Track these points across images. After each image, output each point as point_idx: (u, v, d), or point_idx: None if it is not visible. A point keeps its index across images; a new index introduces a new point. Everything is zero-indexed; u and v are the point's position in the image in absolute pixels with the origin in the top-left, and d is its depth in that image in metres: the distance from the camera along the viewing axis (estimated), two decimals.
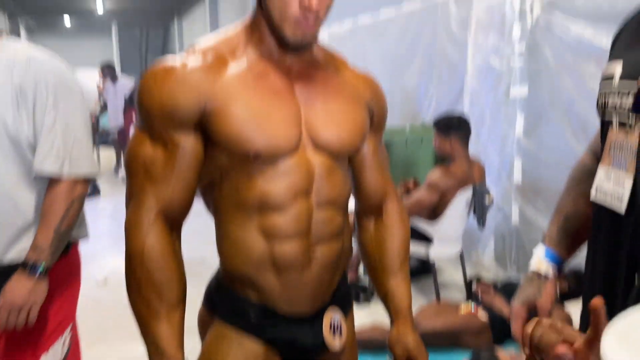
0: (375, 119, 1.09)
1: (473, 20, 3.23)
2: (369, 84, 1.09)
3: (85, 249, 1.55)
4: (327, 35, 5.32)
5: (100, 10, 14.47)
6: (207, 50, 0.96)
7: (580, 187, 1.01)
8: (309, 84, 0.99)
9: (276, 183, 0.95)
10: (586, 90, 2.68)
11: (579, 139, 2.75)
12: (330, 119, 0.99)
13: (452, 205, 2.63)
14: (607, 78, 0.90)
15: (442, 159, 3.68)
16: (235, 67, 0.95)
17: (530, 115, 3.05)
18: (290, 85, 0.98)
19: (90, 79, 13.32)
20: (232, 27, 1.02)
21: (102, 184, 6.35)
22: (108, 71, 7.02)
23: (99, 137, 7.63)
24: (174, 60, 0.95)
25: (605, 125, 0.90)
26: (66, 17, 16.91)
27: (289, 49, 0.97)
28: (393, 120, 4.49)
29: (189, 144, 0.93)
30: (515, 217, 3.17)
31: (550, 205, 2.98)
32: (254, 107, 0.93)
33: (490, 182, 3.02)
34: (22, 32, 15.92)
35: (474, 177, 2.68)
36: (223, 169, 0.96)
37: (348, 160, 1.07)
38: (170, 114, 0.91)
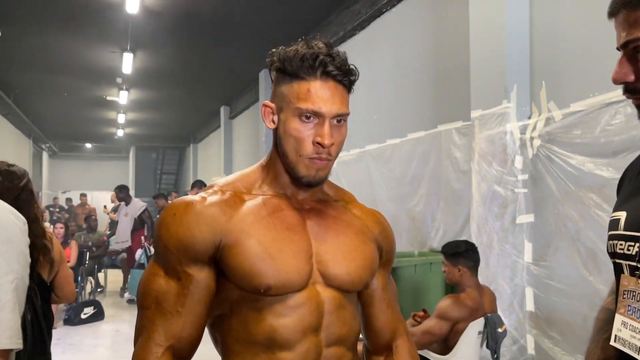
0: (384, 254, 1.11)
1: (476, 149, 3.36)
2: (377, 220, 1.12)
3: None
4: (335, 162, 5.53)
5: (119, 134, 15.21)
6: (225, 188, 1.02)
7: (607, 334, 0.99)
8: (320, 219, 1.03)
9: (285, 319, 0.95)
10: (592, 219, 2.71)
11: (589, 268, 2.73)
12: (341, 254, 1.01)
13: (464, 337, 2.54)
14: (614, 223, 0.93)
15: (451, 286, 3.62)
16: (251, 203, 1.00)
17: (538, 242, 3.05)
18: (302, 220, 1.01)
19: (106, 201, 13.63)
20: (250, 167, 1.09)
21: (106, 307, 6.24)
22: (121, 193, 7.24)
23: (108, 259, 7.63)
24: (194, 197, 1.00)
25: (617, 268, 0.91)
26: (87, 143, 17.72)
27: (302, 186, 1.02)
28: (400, 246, 4.53)
29: (202, 277, 0.95)
30: (530, 348, 3.05)
31: (565, 336, 2.88)
32: (266, 243, 0.95)
33: (502, 311, 2.95)
34: (45, 155, 16.65)
35: (485, 306, 2.62)
36: (233, 302, 0.97)
37: (357, 295, 1.08)
38: (186, 248, 0.94)
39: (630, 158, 2.63)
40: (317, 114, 0.96)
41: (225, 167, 11.12)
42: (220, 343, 1.00)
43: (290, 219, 1.00)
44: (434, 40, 4.19)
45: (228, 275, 0.95)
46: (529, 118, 3.13)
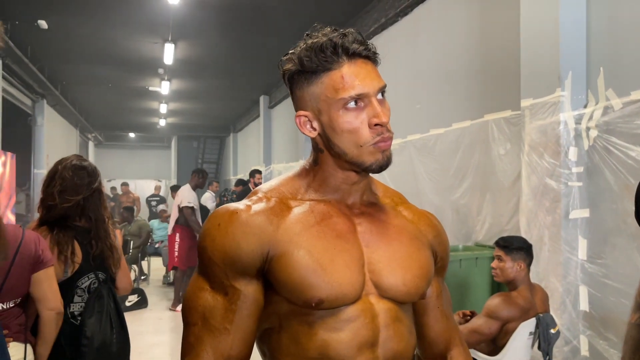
0: (439, 260, 1.04)
1: (526, 140, 3.21)
2: (430, 223, 1.05)
3: None
4: None
5: (161, 124, 15.48)
6: (270, 194, 0.95)
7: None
8: (371, 224, 0.96)
9: (339, 334, 0.88)
10: None
11: None
12: (395, 263, 0.94)
13: (515, 337, 2.42)
14: None
15: (497, 283, 3.48)
16: (298, 210, 0.93)
17: (594, 238, 2.89)
18: (353, 226, 0.94)
19: (150, 189, 13.90)
20: (293, 171, 1.02)
21: (149, 295, 6.35)
22: (174, 188, 7.46)
23: (150, 247, 7.77)
24: (238, 205, 0.93)
25: None
26: (130, 132, 18.13)
27: (370, 173, 0.94)
28: None
29: (250, 291, 0.89)
30: (584, 349, 2.90)
31: (621, 337, 2.71)
32: (317, 253, 0.89)
33: (553, 310, 2.81)
34: (91, 145, 17.13)
35: (537, 306, 2.49)
36: (282, 316, 0.91)
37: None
38: (233, 261, 0.88)
39: None
40: (361, 97, 0.89)
41: (265, 156, 11.15)
42: (269, 358, 0.95)
43: (340, 226, 0.93)
44: (481, 26, 4.01)
45: (277, 288, 0.89)
46: (585, 107, 2.95)
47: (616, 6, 2.84)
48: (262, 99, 11.25)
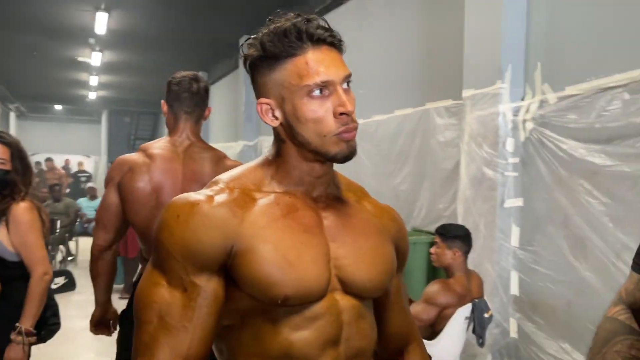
0: (400, 255, 1.02)
1: (466, 130, 3.29)
2: (393, 217, 1.04)
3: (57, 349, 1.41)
4: None
5: (91, 97, 14.74)
6: (232, 184, 0.91)
7: (616, 345, 0.92)
8: (337, 218, 0.93)
9: (303, 332, 0.86)
10: (582, 206, 2.68)
11: (576, 255, 2.72)
12: (362, 259, 0.92)
13: (451, 323, 2.51)
14: None
15: (434, 268, 3.57)
16: (263, 202, 0.89)
17: (526, 227, 3.03)
18: (319, 219, 0.91)
19: (78, 164, 13.24)
20: (254, 161, 0.98)
21: (78, 278, 6.08)
22: None
23: (80, 226, 7.43)
24: (198, 195, 0.88)
25: None
26: (57, 104, 17.15)
27: (334, 162, 0.92)
28: None
29: (211, 287, 0.84)
30: (513, 331, 3.05)
31: (549, 320, 2.89)
32: (283, 248, 0.86)
33: (486, 295, 2.92)
34: (12, 115, 16.07)
35: (473, 292, 2.59)
36: (244, 313, 0.87)
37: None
38: (193, 255, 0.83)
39: (625, 145, 2.61)
40: (327, 84, 0.86)
41: (203, 135, 10.86)
42: (227, 356, 0.91)
43: (307, 220, 0.90)
44: (426, 16, 4.06)
45: (240, 285, 0.85)
46: (523, 100, 3.06)
47: (555, 6, 2.94)
48: (201, 75, 10.91)
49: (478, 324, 2.58)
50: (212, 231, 0.84)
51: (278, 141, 0.93)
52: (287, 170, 0.93)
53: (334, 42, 0.89)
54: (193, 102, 1.97)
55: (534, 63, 3.04)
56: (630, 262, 2.44)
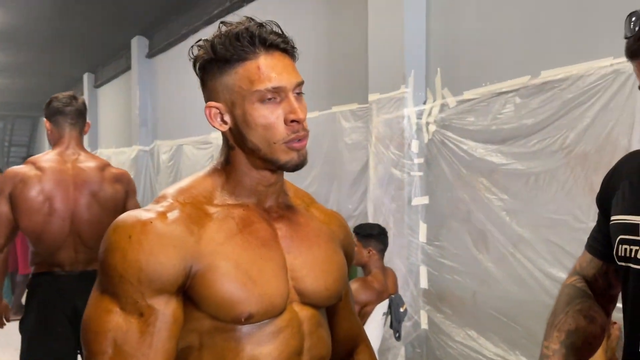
0: (348, 260, 1.04)
1: (373, 132, 3.42)
2: (341, 223, 1.05)
3: None
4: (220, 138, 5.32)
5: None
6: (182, 199, 0.87)
7: (577, 305, 1.04)
8: (290, 228, 0.93)
9: (267, 347, 0.85)
10: (482, 202, 2.90)
11: (478, 247, 2.93)
12: (317, 268, 0.93)
13: (371, 319, 2.60)
14: (629, 227, 0.93)
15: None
16: (218, 217, 0.87)
17: (432, 223, 3.21)
18: (274, 232, 0.91)
19: None
20: (202, 172, 0.94)
21: None
22: None
23: None
24: (148, 212, 0.84)
25: (634, 274, 0.93)
26: None
27: (284, 172, 0.91)
28: None
29: (170, 310, 0.80)
30: (424, 323, 3.22)
31: (456, 310, 3.08)
32: (244, 264, 0.84)
33: (399, 290, 3.07)
34: None
35: (389, 288, 2.70)
36: (204, 333, 0.84)
37: None
38: (150, 278, 0.79)
39: (518, 145, 2.85)
40: (278, 90, 0.86)
41: (90, 140, 10.21)
42: None
43: (263, 233, 0.89)
44: (330, 20, 4.15)
45: (200, 305, 0.83)
46: (425, 104, 3.24)
47: (451, 15, 3.15)
48: (86, 76, 10.26)
49: (395, 319, 2.70)
50: (169, 251, 0.80)
51: (227, 148, 0.92)
52: (237, 179, 0.91)
53: (286, 49, 0.90)
54: (75, 115, 2.26)
55: (434, 69, 3.23)
56: (526, 253, 2.67)
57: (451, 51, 3.16)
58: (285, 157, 0.87)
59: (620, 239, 0.94)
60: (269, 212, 0.92)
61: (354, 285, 2.62)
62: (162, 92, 7.32)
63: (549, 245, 2.55)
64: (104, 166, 2.31)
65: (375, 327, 2.67)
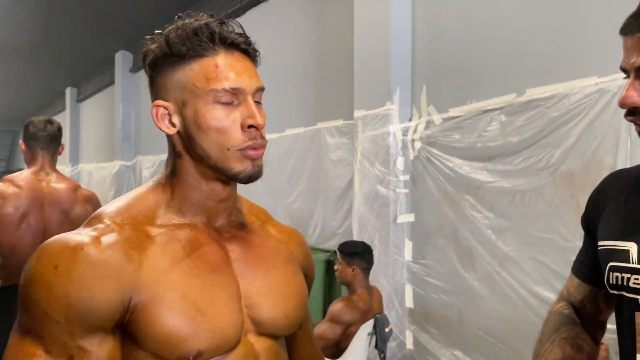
0: (308, 282, 0.95)
1: (358, 149, 3.39)
2: (300, 242, 0.96)
3: None
4: None
5: None
6: (120, 220, 0.76)
7: (563, 334, 1.00)
8: (244, 250, 0.84)
9: None
10: (467, 220, 2.87)
11: (464, 265, 2.90)
12: (275, 294, 0.83)
13: (356, 339, 2.54)
14: (620, 253, 0.89)
15: (329, 286, 3.61)
16: (161, 240, 0.77)
17: (418, 241, 3.18)
18: (226, 255, 0.81)
19: None
20: (143, 186, 0.85)
21: None
22: None
23: None
24: (79, 236, 0.72)
25: (629, 303, 0.88)
26: None
27: (231, 186, 0.82)
28: None
29: (105, 351, 0.70)
30: (409, 343, 3.17)
31: (442, 330, 3.04)
32: (193, 294, 0.74)
33: (384, 309, 3.02)
34: None
35: (374, 307, 2.65)
36: None
37: None
38: (81, 315, 0.68)
39: (504, 163, 2.84)
40: (237, 92, 0.78)
41: (72, 155, 10.08)
42: None
43: (213, 257, 0.79)
44: (316, 37, 4.15)
45: (142, 343, 0.73)
46: (410, 120, 3.23)
47: (437, 32, 3.16)
48: (68, 90, 10.15)
49: (380, 339, 2.64)
50: (104, 282, 0.70)
51: (173, 156, 0.82)
52: (185, 194, 0.81)
53: (247, 50, 0.81)
54: (48, 140, 2.39)
55: (420, 86, 3.23)
56: (513, 271, 2.63)
57: (437, 68, 3.16)
58: (238, 166, 0.78)
59: (611, 266, 0.90)
60: (220, 231, 0.83)
61: (338, 305, 2.56)
62: (145, 106, 7.25)
63: (536, 264, 2.53)
64: (76, 187, 2.49)
65: (359, 348, 2.61)
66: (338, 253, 2.72)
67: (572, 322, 1.00)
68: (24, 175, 2.38)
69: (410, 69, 3.27)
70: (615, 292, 0.90)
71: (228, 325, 0.76)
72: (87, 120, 9.85)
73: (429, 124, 3.13)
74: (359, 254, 2.66)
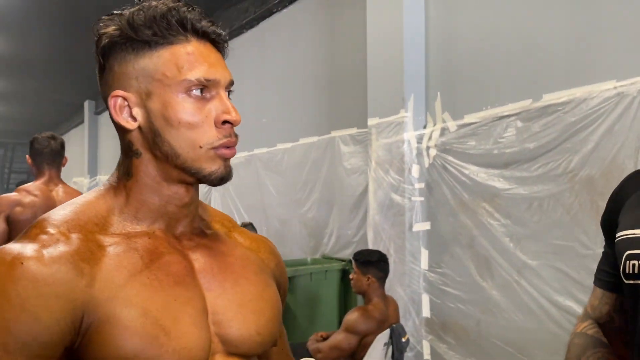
0: (282, 292, 0.87)
1: (373, 157, 3.37)
2: (271, 250, 0.88)
3: None
4: None
5: None
6: (67, 228, 0.67)
7: (590, 357, 0.95)
8: (210, 259, 0.75)
9: None
10: (484, 227, 2.82)
11: (482, 274, 2.85)
12: (246, 308, 0.75)
13: (372, 350, 2.50)
14: (636, 242, 0.85)
15: (345, 296, 3.57)
16: (115, 250, 0.67)
17: (434, 249, 3.13)
18: (190, 264, 0.73)
19: None
20: (89, 193, 0.75)
21: None
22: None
23: None
24: (20, 247, 0.63)
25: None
26: None
27: (197, 186, 0.75)
28: (292, 253, 4.41)
29: None
30: (426, 353, 3.11)
31: (460, 340, 2.98)
32: (155, 311, 0.66)
33: (400, 319, 2.97)
34: None
35: (390, 317, 2.61)
36: None
37: None
38: (24, 342, 0.59)
39: (521, 170, 2.79)
40: (210, 85, 0.70)
41: (90, 167, 10.22)
42: None
43: (176, 267, 0.70)
44: (329, 46, 4.15)
45: None
46: (425, 128, 3.20)
47: (451, 39, 3.14)
48: (87, 103, 10.31)
49: (397, 349, 2.60)
50: (51, 302, 0.60)
51: (129, 156, 0.73)
52: (141, 198, 0.72)
53: (218, 41, 0.73)
54: (52, 155, 2.59)
55: (434, 93, 3.20)
56: (532, 280, 2.57)
57: (451, 74, 3.13)
58: (210, 166, 0.70)
59: (628, 254, 0.86)
60: (181, 239, 0.75)
61: (353, 315, 2.53)
62: None
63: (555, 272, 2.47)
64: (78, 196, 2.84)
65: (376, 358, 2.57)
66: (353, 262, 2.69)
67: (597, 343, 0.95)
68: (36, 185, 2.59)
69: (424, 75, 3.25)
70: (631, 281, 0.86)
71: (194, 346, 0.67)
72: (105, 132, 9.97)
73: (444, 131, 3.10)
74: (374, 262, 2.63)
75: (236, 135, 0.72)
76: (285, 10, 4.65)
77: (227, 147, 0.71)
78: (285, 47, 4.65)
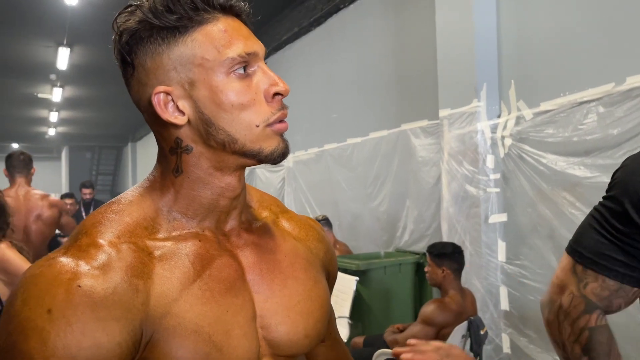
0: (331, 279, 0.84)
1: (445, 149, 3.33)
2: (319, 237, 0.83)
3: None
4: (292, 161, 5.39)
5: (50, 134, 14.37)
6: (116, 237, 0.63)
7: (615, 350, 0.92)
8: (259, 258, 0.73)
9: None
10: (565, 218, 2.73)
11: None
12: (294, 311, 0.73)
13: (449, 342, 2.49)
14: None
15: (419, 288, 3.56)
16: (166, 259, 0.64)
17: (512, 241, 3.06)
18: (240, 267, 0.70)
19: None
20: (132, 191, 0.70)
21: None
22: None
23: None
24: (70, 265, 0.59)
25: None
26: (14, 143, 16.62)
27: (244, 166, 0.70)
28: (365, 247, 4.42)
29: None
30: (506, 346, 3.05)
31: (541, 333, 2.90)
32: (207, 326, 0.64)
33: (478, 311, 2.93)
34: None
35: (467, 309, 2.58)
36: None
37: None
38: None
39: (604, 157, 2.67)
40: (250, 59, 0.65)
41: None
42: None
43: (227, 273, 0.68)
44: (397, 38, 4.13)
45: None
46: (499, 117, 3.13)
47: (524, 23, 3.04)
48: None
49: (475, 342, 2.57)
50: (110, 326, 0.57)
51: (175, 152, 0.67)
52: (192, 194, 0.68)
53: (241, 13, 0.68)
54: (21, 166, 3.33)
55: (508, 81, 3.12)
56: None
57: (525, 61, 3.04)
58: (270, 144, 0.66)
59: None
60: (230, 236, 0.71)
61: (430, 307, 2.53)
62: None
63: None
64: (44, 197, 3.43)
65: None
66: (427, 255, 2.69)
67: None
68: (7, 192, 3.15)
69: (497, 63, 3.17)
70: None
71: (244, 357, 0.66)
72: None
73: (519, 119, 3.02)
74: (448, 254, 2.61)
75: (286, 106, 0.68)
76: (351, 6, 4.67)
77: (281, 121, 0.67)
78: (353, 43, 4.67)
